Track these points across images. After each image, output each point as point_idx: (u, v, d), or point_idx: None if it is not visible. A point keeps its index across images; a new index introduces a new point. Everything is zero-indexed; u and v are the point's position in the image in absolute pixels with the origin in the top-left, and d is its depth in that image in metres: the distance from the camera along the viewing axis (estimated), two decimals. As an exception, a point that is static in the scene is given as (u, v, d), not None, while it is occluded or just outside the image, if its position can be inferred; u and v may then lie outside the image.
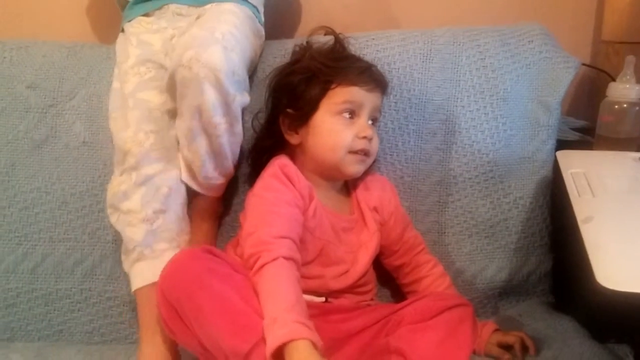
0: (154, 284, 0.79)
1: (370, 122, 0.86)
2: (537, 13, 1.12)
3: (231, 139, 0.86)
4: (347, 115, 0.84)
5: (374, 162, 0.93)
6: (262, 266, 0.73)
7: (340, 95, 0.84)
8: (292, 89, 0.86)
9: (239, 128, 0.87)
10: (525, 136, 0.95)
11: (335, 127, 0.84)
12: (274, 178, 0.83)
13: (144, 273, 0.85)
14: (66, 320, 0.94)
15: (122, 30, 1.00)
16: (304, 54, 0.89)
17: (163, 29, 0.95)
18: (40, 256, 0.95)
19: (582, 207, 0.72)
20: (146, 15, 0.96)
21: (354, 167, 0.86)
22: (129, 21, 0.98)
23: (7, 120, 0.99)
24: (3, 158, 0.98)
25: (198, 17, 0.91)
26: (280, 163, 0.85)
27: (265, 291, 0.72)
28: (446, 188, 0.96)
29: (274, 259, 0.73)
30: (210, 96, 0.79)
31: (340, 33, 0.93)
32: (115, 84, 0.95)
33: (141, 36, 0.94)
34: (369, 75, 0.86)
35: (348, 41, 0.93)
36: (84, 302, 0.94)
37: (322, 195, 0.87)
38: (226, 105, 0.82)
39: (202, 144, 0.84)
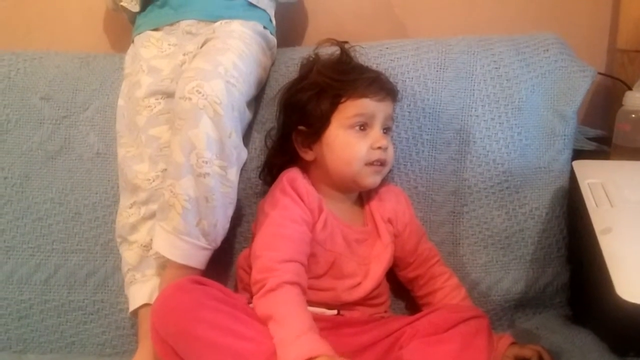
0: (146, 304, 0.85)
1: (383, 131, 0.85)
2: (551, 22, 1.11)
3: (222, 189, 0.81)
4: (359, 127, 0.84)
5: (388, 172, 0.93)
6: (267, 293, 0.73)
7: (351, 109, 0.84)
8: (302, 106, 0.86)
9: (232, 176, 0.83)
10: (541, 146, 0.94)
11: (349, 140, 0.84)
12: (281, 193, 0.83)
13: (136, 296, 0.87)
14: (78, 332, 0.93)
15: (133, 41, 1.00)
16: (311, 68, 0.89)
17: (173, 54, 0.94)
18: (53, 267, 0.95)
19: (600, 217, 0.71)
20: (155, 29, 0.97)
21: (371, 179, 0.85)
22: (139, 34, 0.98)
23: (21, 132, 0.99)
24: (17, 169, 0.98)
25: (206, 41, 0.91)
26: (288, 177, 0.84)
27: (274, 316, 0.71)
28: (461, 198, 0.94)
29: (279, 286, 0.73)
30: (206, 128, 0.78)
31: (347, 42, 0.92)
32: (121, 102, 0.95)
33: (151, 62, 0.93)
34: (379, 85, 0.85)
35: (355, 50, 0.93)
36: (96, 314, 0.93)
37: (335, 207, 0.86)
38: (220, 143, 0.80)
39: (188, 185, 0.79)
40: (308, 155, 0.87)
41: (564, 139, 0.94)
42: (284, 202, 0.81)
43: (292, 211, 0.81)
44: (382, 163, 0.85)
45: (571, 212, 0.92)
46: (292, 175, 0.85)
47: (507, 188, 0.94)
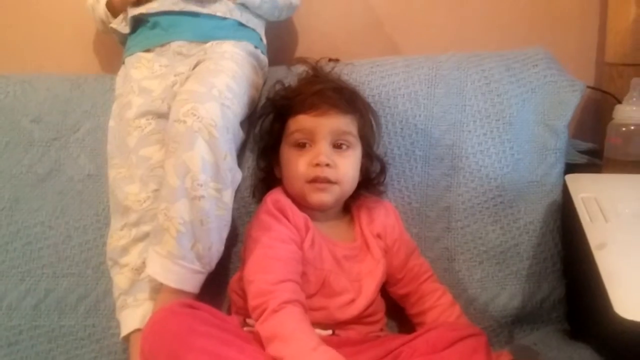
0: (138, 330, 0.83)
1: (336, 146, 0.84)
2: (540, 37, 1.12)
3: (217, 212, 0.81)
4: (300, 144, 0.84)
5: (378, 190, 0.92)
6: (271, 315, 0.72)
7: (291, 126, 0.85)
8: (266, 128, 0.91)
9: (227, 198, 0.82)
10: (533, 160, 0.95)
11: (290, 157, 0.85)
12: (267, 215, 0.82)
13: (127, 320, 0.85)
14: (70, 358, 0.91)
15: (123, 62, 1.00)
16: (274, 89, 0.93)
17: (164, 74, 0.94)
18: (44, 292, 0.93)
19: (595, 233, 0.71)
20: (146, 50, 0.96)
21: (316, 196, 0.83)
22: (130, 55, 0.98)
23: (11, 155, 0.98)
24: (7, 193, 0.97)
25: (198, 63, 0.91)
26: (272, 198, 0.84)
27: (281, 335, 0.70)
28: (455, 214, 0.94)
29: (280, 306, 0.72)
30: (201, 151, 0.78)
31: (337, 60, 0.94)
32: (112, 123, 0.95)
33: (142, 83, 0.93)
34: (319, 99, 0.83)
35: (334, 68, 0.94)
36: (87, 339, 0.92)
37: (321, 225, 0.86)
38: (216, 166, 0.80)
39: (182, 208, 0.79)
40: (278, 173, 0.89)
41: (556, 153, 0.94)
42: (270, 223, 0.81)
43: (280, 231, 0.80)
44: (328, 180, 0.83)
45: (565, 226, 0.92)
46: (276, 196, 0.85)
47: (500, 203, 0.94)
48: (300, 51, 1.17)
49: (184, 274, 0.81)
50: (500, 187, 0.94)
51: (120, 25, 0.99)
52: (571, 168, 0.94)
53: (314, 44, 1.15)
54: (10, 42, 1.14)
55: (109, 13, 1.00)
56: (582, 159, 0.99)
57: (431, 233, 0.94)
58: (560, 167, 0.94)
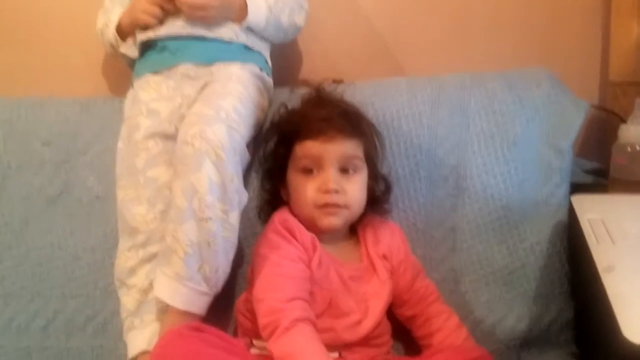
0: (145, 351, 0.83)
1: (343, 171, 0.84)
2: (542, 56, 1.13)
3: (224, 233, 0.81)
4: (307, 170, 0.84)
5: (384, 208, 0.93)
6: (283, 333, 0.72)
7: (298, 151, 0.86)
8: (271, 151, 0.91)
9: (234, 220, 0.83)
10: (538, 180, 0.94)
11: (299, 183, 0.85)
12: (275, 234, 0.83)
13: (135, 342, 0.86)
14: (78, 379, 0.92)
15: (132, 85, 1.02)
16: (279, 113, 0.94)
17: (172, 97, 0.95)
18: (52, 313, 0.94)
19: (602, 255, 0.71)
20: (155, 73, 0.98)
21: (326, 221, 0.84)
22: (138, 78, 1.00)
23: (22, 177, 1.00)
24: (17, 215, 0.98)
25: (205, 85, 0.93)
26: (280, 218, 0.85)
27: (296, 354, 0.70)
28: (460, 235, 0.94)
29: (292, 324, 0.72)
30: (209, 172, 0.79)
31: (341, 81, 0.94)
32: (121, 145, 0.96)
33: (150, 105, 0.95)
34: (325, 125, 0.84)
35: (338, 89, 0.94)
36: (95, 360, 0.92)
37: (328, 245, 0.86)
38: (223, 188, 0.81)
39: (190, 230, 0.79)
40: (285, 196, 0.89)
41: (561, 173, 0.94)
42: (278, 242, 0.82)
43: (288, 250, 0.81)
44: (336, 205, 0.83)
45: (572, 247, 0.92)
46: (283, 216, 0.85)
47: (506, 223, 0.93)
48: (304, 72, 1.18)
49: (191, 295, 0.81)
50: (506, 208, 0.94)
51: (129, 49, 1.01)
52: (577, 188, 0.94)
53: (318, 65, 1.16)
54: (22, 66, 1.17)
55: (118, 37, 1.02)
56: (588, 179, 0.98)
57: (436, 254, 0.94)
58: (565, 187, 0.94)
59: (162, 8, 0.96)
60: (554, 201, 0.94)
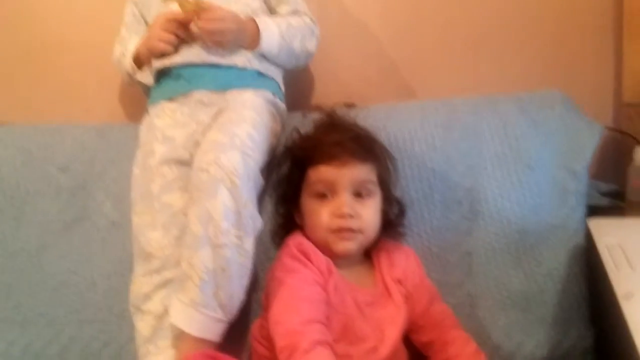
0: None
1: (356, 196, 0.84)
2: (555, 78, 1.13)
3: (239, 259, 0.82)
4: (321, 195, 0.84)
5: (398, 232, 0.93)
6: (302, 356, 0.71)
7: (312, 176, 0.86)
8: (284, 176, 0.91)
9: (248, 246, 0.84)
10: (554, 203, 0.94)
11: (313, 208, 0.85)
12: (290, 258, 0.83)
13: None
14: (93, 405, 0.92)
15: (147, 112, 1.04)
16: (292, 138, 0.94)
17: (186, 123, 0.96)
18: (68, 339, 0.94)
19: (621, 281, 0.70)
20: (170, 100, 1.00)
21: (341, 245, 0.84)
22: (154, 104, 1.01)
23: (39, 203, 1.01)
24: (34, 240, 1.00)
25: (219, 112, 0.94)
26: (295, 242, 0.85)
27: None
28: (476, 259, 0.93)
29: (312, 347, 0.71)
30: (224, 199, 0.80)
31: (353, 105, 0.95)
32: (136, 170, 0.97)
33: (165, 131, 0.96)
34: (339, 150, 0.84)
35: (351, 113, 0.94)
36: (111, 387, 0.92)
37: (342, 270, 0.86)
38: (237, 214, 0.82)
39: (205, 256, 0.80)
40: (299, 220, 0.89)
41: (577, 196, 0.94)
42: (295, 266, 0.82)
43: (304, 273, 0.81)
44: (350, 230, 0.83)
45: (590, 272, 0.90)
46: (298, 240, 0.85)
47: (522, 247, 0.93)
48: (316, 97, 1.19)
49: (206, 322, 0.81)
50: (522, 231, 0.93)
51: (145, 77, 1.03)
52: (593, 211, 0.93)
53: (330, 89, 1.18)
54: (40, 93, 1.19)
55: (135, 66, 1.04)
56: (604, 201, 0.97)
57: (452, 278, 0.94)
58: (581, 210, 0.93)
59: (177, 36, 0.97)
60: (571, 225, 0.93)
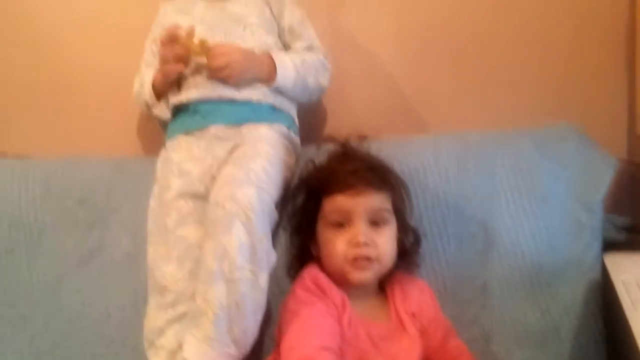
0: None
1: (372, 224, 0.85)
2: (567, 111, 1.13)
3: (253, 294, 0.82)
4: (337, 224, 0.85)
5: (414, 265, 0.92)
6: None
7: (327, 206, 0.87)
8: (300, 207, 0.92)
9: (262, 281, 0.84)
10: (569, 238, 0.93)
11: (329, 237, 0.86)
12: (305, 291, 0.83)
13: None
14: None
15: (164, 146, 1.05)
16: (307, 169, 0.95)
17: (203, 157, 0.98)
18: (82, 373, 0.95)
19: (638, 320, 0.69)
20: (186, 134, 1.01)
21: (357, 275, 0.84)
22: (171, 139, 1.03)
23: (57, 235, 1.03)
24: (51, 272, 1.01)
25: (235, 146, 0.96)
26: (310, 274, 0.85)
27: None
28: (491, 293, 0.93)
29: None
30: (239, 234, 0.81)
31: (365, 137, 0.96)
32: (153, 204, 0.99)
33: (182, 165, 0.97)
34: (353, 179, 0.85)
35: (364, 145, 0.95)
36: (124, 422, 0.92)
37: (356, 304, 0.85)
38: (252, 249, 0.82)
39: (220, 291, 0.81)
40: (314, 251, 0.89)
41: (592, 230, 0.93)
42: (309, 298, 0.82)
43: (318, 306, 0.81)
44: (368, 259, 0.83)
45: (607, 308, 0.89)
46: (313, 273, 0.86)
47: (537, 282, 0.92)
48: (329, 129, 1.20)
49: (220, 358, 0.81)
50: (537, 266, 0.92)
51: (162, 111, 1.05)
52: (609, 245, 0.93)
53: (342, 122, 1.19)
54: (59, 127, 1.22)
55: (153, 94, 1.05)
56: (620, 236, 0.96)
57: (467, 313, 0.93)
58: (597, 244, 0.93)
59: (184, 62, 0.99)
60: (587, 259, 0.92)
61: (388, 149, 1.00)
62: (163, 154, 1.04)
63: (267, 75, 1.01)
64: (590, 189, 0.95)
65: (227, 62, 0.97)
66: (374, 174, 0.87)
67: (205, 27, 1.02)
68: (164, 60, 1.00)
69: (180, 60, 0.98)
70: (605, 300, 0.90)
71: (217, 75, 0.98)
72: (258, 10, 1.07)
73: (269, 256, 0.86)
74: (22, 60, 1.21)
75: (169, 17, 1.08)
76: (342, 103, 1.20)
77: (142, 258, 0.98)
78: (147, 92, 1.06)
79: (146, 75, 1.06)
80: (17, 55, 1.21)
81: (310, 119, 1.15)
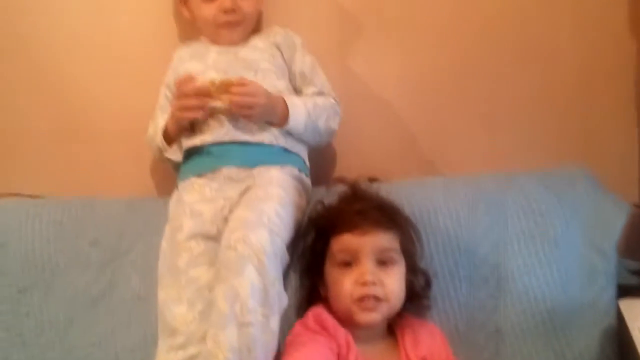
0: None
1: (380, 264, 0.85)
2: (577, 153, 1.14)
3: (264, 337, 0.82)
4: (344, 263, 0.85)
5: (425, 308, 0.91)
6: None
7: (335, 245, 0.87)
8: (308, 247, 0.93)
9: (274, 324, 0.84)
10: (583, 282, 0.93)
11: (336, 277, 0.86)
12: (305, 328, 0.84)
13: None
14: None
15: (177, 187, 1.06)
16: (316, 209, 0.96)
17: (214, 198, 0.99)
18: (90, 417, 0.94)
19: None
20: (199, 176, 1.02)
21: (364, 316, 0.84)
22: (183, 180, 1.04)
23: (68, 276, 1.02)
24: (62, 313, 1.00)
25: (247, 188, 0.97)
26: (314, 313, 0.86)
27: None
28: (504, 338, 0.92)
29: None
30: (251, 277, 0.81)
31: (376, 179, 0.97)
32: (164, 245, 0.99)
33: (194, 206, 0.98)
34: (360, 218, 0.86)
35: (374, 187, 0.96)
36: None
37: (364, 346, 0.85)
38: (264, 292, 0.82)
39: (231, 335, 0.80)
40: (323, 291, 0.90)
41: (606, 275, 0.93)
42: (310, 335, 0.82)
43: (319, 342, 0.81)
44: (375, 299, 0.83)
45: (622, 354, 0.88)
46: (318, 311, 0.86)
47: (552, 327, 0.91)
48: (339, 171, 1.21)
49: None
50: (551, 311, 0.91)
51: (174, 154, 1.07)
52: (624, 290, 0.92)
53: (352, 163, 1.19)
54: (74, 167, 1.23)
55: (164, 141, 1.07)
56: (635, 280, 0.95)
57: (480, 358, 0.92)
58: (612, 289, 0.92)
59: (201, 108, 1.00)
60: (601, 305, 0.91)
61: (398, 190, 1.01)
62: (175, 195, 1.05)
63: (280, 117, 1.03)
64: (602, 233, 0.95)
65: (251, 103, 0.99)
66: (381, 213, 0.88)
67: (218, 72, 1.05)
68: (179, 108, 1.01)
69: (197, 108, 1.00)
70: (620, 345, 0.88)
71: (240, 112, 0.99)
72: (269, 55, 1.10)
73: (281, 299, 0.86)
74: (38, 103, 1.23)
75: (183, 63, 1.11)
76: (352, 146, 1.21)
77: (153, 299, 0.98)
78: (159, 138, 1.08)
79: (159, 121, 1.09)
80: (34, 98, 1.23)
81: (320, 161, 1.16)
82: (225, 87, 0.98)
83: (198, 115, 1.00)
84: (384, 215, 0.88)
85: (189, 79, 1.01)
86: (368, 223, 0.86)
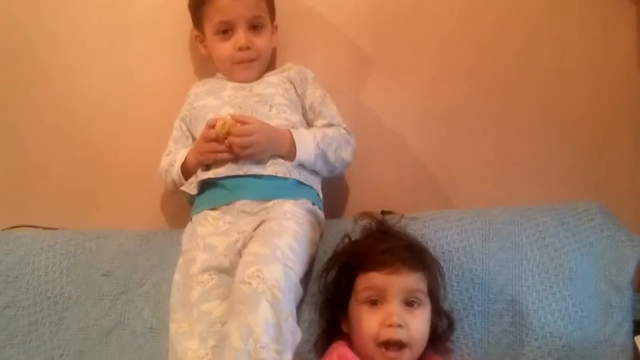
0: None
1: (407, 305, 0.84)
2: (592, 188, 1.14)
3: None
4: (370, 302, 0.85)
5: (446, 348, 0.91)
6: None
7: (361, 283, 0.87)
8: (332, 282, 0.92)
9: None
10: (599, 318, 0.92)
11: (361, 315, 0.85)
12: None
13: None
14: None
15: (190, 219, 1.07)
16: (342, 244, 0.96)
17: (228, 231, 0.99)
18: None
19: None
20: (213, 209, 1.03)
21: None
22: (197, 213, 1.05)
23: (80, 308, 1.03)
24: (73, 346, 1.00)
25: (261, 222, 0.97)
26: (339, 352, 0.84)
27: None
28: (520, 375, 0.90)
29: None
30: (265, 313, 0.81)
31: (391, 212, 0.97)
32: (177, 277, 0.99)
33: (207, 239, 0.99)
34: (390, 257, 0.86)
35: (394, 220, 0.97)
36: None
37: None
38: (278, 327, 0.82)
39: None
40: (345, 328, 0.89)
41: (622, 311, 0.92)
42: None
43: None
44: (399, 343, 0.82)
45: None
46: (343, 351, 0.85)
47: (568, 364, 0.90)
48: (352, 204, 1.21)
49: None
50: (567, 347, 0.90)
51: (189, 187, 1.07)
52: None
53: (366, 196, 1.20)
54: (88, 200, 1.24)
55: (182, 175, 1.09)
56: (650, 316, 0.95)
57: (497, 396, 0.90)
58: (628, 325, 0.91)
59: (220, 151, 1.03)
60: (617, 341, 0.90)
61: (412, 225, 1.01)
62: (189, 227, 1.06)
63: (288, 150, 1.05)
64: (617, 269, 0.94)
65: (250, 142, 1.01)
66: (411, 253, 0.88)
67: (233, 108, 1.08)
68: (203, 152, 1.03)
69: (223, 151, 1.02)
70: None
71: (242, 153, 1.01)
72: (283, 90, 1.13)
73: (294, 335, 0.85)
74: (55, 137, 1.26)
75: (199, 100, 1.14)
76: (365, 180, 1.21)
77: (164, 332, 0.98)
78: (176, 172, 1.09)
79: (177, 155, 1.10)
80: (50, 131, 1.26)
81: (333, 195, 1.17)
82: (228, 129, 1.00)
83: (225, 157, 1.02)
84: (413, 255, 0.88)
85: (213, 123, 1.02)
86: (397, 262, 0.86)
